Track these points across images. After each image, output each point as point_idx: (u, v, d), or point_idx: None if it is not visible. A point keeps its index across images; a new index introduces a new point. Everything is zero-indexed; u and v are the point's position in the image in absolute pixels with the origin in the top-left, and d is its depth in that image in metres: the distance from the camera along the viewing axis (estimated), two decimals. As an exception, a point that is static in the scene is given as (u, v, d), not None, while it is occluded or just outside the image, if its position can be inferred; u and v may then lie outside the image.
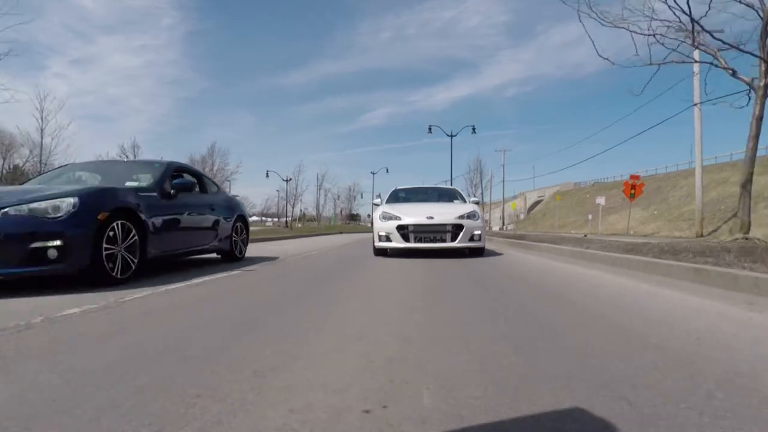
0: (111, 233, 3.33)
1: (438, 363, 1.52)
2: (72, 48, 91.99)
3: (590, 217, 28.38)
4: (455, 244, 6.47)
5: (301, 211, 69.98)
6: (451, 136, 29.80)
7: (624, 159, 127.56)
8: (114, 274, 3.31)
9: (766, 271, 3.11)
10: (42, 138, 34.12)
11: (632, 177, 21.54)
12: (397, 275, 4.20)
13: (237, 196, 6.87)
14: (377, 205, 7.89)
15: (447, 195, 8.70)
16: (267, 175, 39.77)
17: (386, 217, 6.79)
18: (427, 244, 6.52)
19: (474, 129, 29.74)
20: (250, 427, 1.05)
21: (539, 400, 1.19)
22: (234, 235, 5.65)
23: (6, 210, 2.93)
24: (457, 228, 6.50)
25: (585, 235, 15.71)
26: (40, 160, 33.88)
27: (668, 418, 1.08)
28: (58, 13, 79.43)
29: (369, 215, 70.36)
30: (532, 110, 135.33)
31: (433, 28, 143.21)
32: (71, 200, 3.07)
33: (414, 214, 6.73)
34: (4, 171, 45.60)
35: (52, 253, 2.93)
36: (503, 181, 47.34)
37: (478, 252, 6.91)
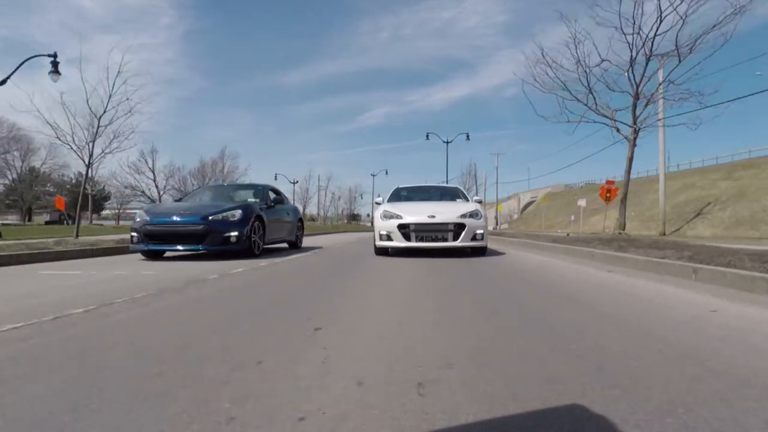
0: (253, 228, 6.02)
1: (436, 283, 4.03)
2: (69, 46, 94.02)
3: (572, 217, 31.09)
4: (457, 243, 6.45)
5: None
6: (447, 142, 32.26)
7: (618, 161, 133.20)
8: (255, 251, 6.05)
9: (610, 250, 5.71)
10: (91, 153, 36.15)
11: (608, 182, 24.17)
12: (410, 253, 6.68)
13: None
14: (378, 204, 7.77)
15: (449, 194, 8.56)
16: (276, 178, 42.16)
17: (387, 215, 6.76)
18: (429, 244, 6.53)
19: (468, 136, 32.16)
20: (342, 318, 2.19)
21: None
22: (297, 231, 8.38)
23: (212, 216, 5.64)
24: (459, 227, 6.47)
25: (567, 234, 18.22)
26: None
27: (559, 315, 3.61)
28: (55, 11, 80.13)
29: (368, 215, 71.56)
30: (529, 110, 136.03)
31: (432, 28, 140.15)
32: (239, 211, 5.80)
33: (415, 212, 6.70)
34: (21, 171, 47.81)
35: (233, 239, 5.65)
36: (497, 183, 50.24)
37: (481, 251, 6.88)
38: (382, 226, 6.65)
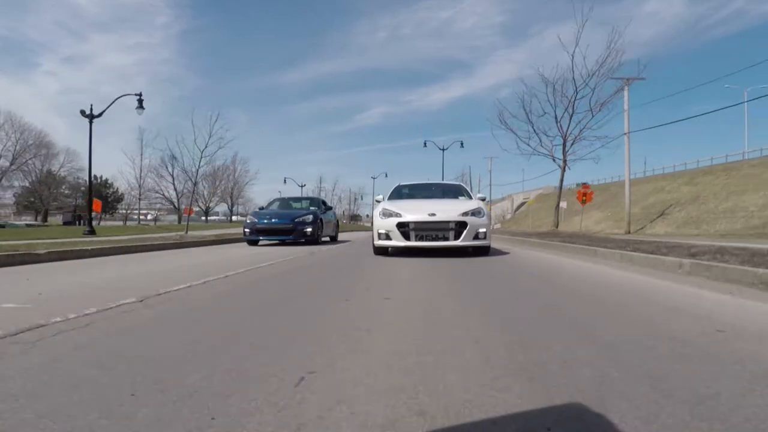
0: (318, 227, 9.21)
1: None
2: (64, 45, 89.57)
3: (546, 219, 34.38)
4: (458, 242, 6.29)
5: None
6: (443, 149, 35.32)
7: (608, 165, 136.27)
8: (319, 241, 9.31)
9: (538, 239, 8.79)
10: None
11: (583, 186, 27.43)
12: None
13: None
14: (378, 201, 7.61)
15: (452, 191, 8.36)
16: (285, 182, 44.69)
17: (386, 214, 6.60)
18: (429, 243, 6.38)
19: (462, 144, 35.31)
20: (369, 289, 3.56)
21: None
22: (336, 228, 11.58)
23: (296, 219, 8.85)
24: (460, 225, 6.31)
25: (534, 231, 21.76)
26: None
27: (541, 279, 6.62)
28: (50, 9, 77.54)
29: (368, 215, 74.19)
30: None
31: (430, 28, 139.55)
32: (311, 216, 9.04)
33: (415, 210, 6.55)
34: (40, 175, 49.98)
35: (308, 233, 8.90)
36: (490, 185, 53.53)
37: (483, 251, 6.73)
38: (381, 224, 6.53)
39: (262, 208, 10.80)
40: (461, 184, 9.33)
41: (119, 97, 13.34)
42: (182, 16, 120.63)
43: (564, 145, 20.72)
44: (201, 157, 13.03)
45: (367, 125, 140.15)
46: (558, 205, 22.01)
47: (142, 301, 2.65)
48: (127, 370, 1.42)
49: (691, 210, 23.26)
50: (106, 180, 49.00)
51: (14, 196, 43.41)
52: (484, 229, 6.37)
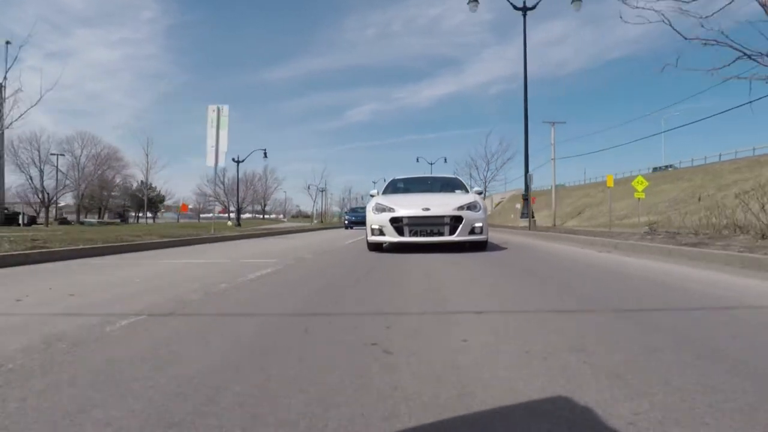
0: None
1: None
2: (48, 41, 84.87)
3: (512, 216, 42.48)
4: (454, 237, 6.01)
5: (296, 206, 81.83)
6: (431, 164, 40.73)
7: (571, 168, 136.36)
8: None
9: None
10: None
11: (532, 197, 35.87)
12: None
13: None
14: (372, 196, 7.22)
15: (448, 185, 8.06)
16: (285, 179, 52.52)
17: (379, 209, 6.30)
18: (423, 238, 6.05)
19: (446, 159, 40.53)
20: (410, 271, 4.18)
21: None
22: None
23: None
24: (455, 220, 6.03)
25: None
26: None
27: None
28: (33, 3, 72.31)
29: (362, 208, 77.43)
30: (513, 109, 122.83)
31: (419, 24, 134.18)
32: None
33: (409, 205, 6.26)
34: (95, 179, 56.40)
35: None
36: (470, 187, 61.21)
37: (480, 246, 6.39)
38: (374, 219, 6.26)
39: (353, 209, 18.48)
40: (458, 177, 9.12)
41: (254, 150, 21.77)
42: (169, 11, 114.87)
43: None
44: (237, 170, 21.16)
45: (357, 122, 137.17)
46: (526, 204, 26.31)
47: (311, 256, 7.63)
48: (315, 285, 3.35)
49: (596, 210, 31.00)
50: (150, 183, 54.88)
51: (78, 197, 50.47)
52: (480, 224, 6.10)
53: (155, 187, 55.43)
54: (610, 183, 17.35)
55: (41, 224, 30.43)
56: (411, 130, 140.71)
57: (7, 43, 13.61)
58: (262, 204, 60.09)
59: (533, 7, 15.49)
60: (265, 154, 19.82)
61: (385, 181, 9.50)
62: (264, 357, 1.64)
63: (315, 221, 51.33)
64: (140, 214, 57.15)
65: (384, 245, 6.51)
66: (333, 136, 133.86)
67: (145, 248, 7.44)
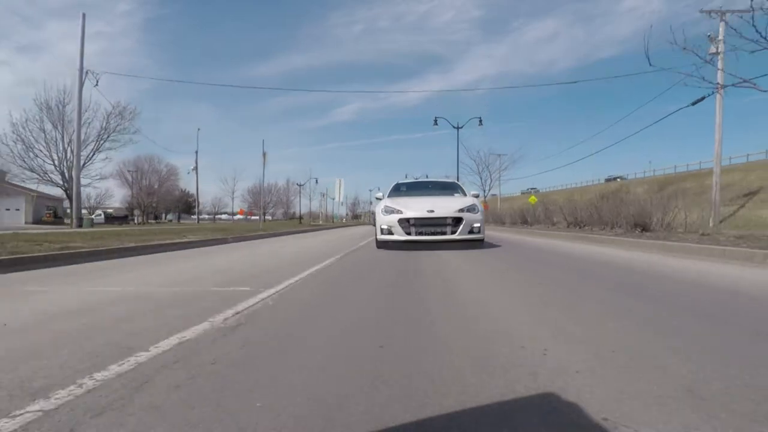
0: None
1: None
2: (18, 33, 77.13)
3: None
4: (455, 236, 6.40)
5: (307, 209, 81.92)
6: (417, 178, 47.29)
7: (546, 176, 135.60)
8: None
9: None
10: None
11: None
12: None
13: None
14: (379, 199, 7.76)
15: (448, 188, 8.50)
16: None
17: (388, 210, 6.69)
18: (429, 237, 6.43)
19: (427, 176, 43.82)
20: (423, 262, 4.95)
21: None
22: None
23: None
24: (456, 221, 6.44)
25: None
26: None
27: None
28: None
29: (368, 212, 76.26)
30: (502, 108, 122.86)
31: (407, 21, 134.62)
32: None
33: (415, 207, 6.65)
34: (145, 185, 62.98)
35: None
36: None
37: (478, 243, 6.79)
38: (384, 220, 6.65)
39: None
40: (456, 181, 9.60)
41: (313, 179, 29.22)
42: (146, 4, 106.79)
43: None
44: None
45: (343, 121, 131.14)
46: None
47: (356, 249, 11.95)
48: (366, 268, 4.48)
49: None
50: (185, 190, 63.18)
51: (129, 200, 55.58)
52: (478, 224, 6.57)
53: (190, 193, 63.41)
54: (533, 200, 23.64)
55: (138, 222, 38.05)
56: (398, 130, 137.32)
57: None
58: (285, 208, 69.08)
59: (462, 126, 23.91)
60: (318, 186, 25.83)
61: (380, 187, 10.39)
62: (393, 287, 3.32)
63: (321, 221, 53.82)
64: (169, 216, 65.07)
65: (390, 244, 6.91)
66: (317, 134, 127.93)
67: (256, 238, 12.12)
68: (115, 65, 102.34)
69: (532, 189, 55.29)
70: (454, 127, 26.96)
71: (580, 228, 12.95)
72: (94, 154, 28.85)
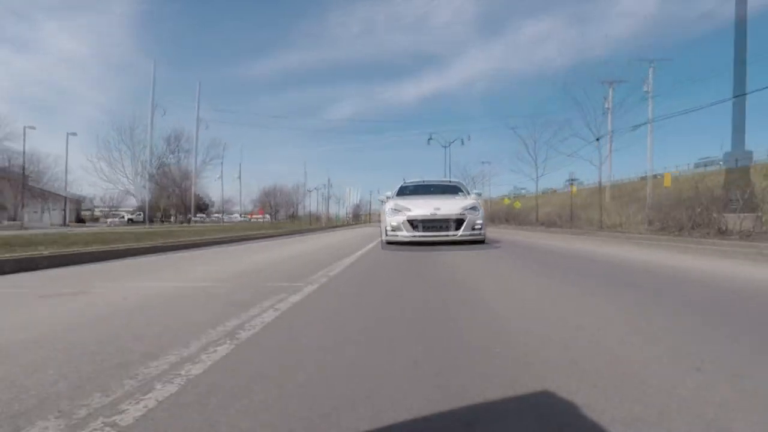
0: None
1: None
2: (8, 29, 72.90)
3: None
4: (458, 234, 6.73)
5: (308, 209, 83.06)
6: (408, 184, 50.13)
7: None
8: None
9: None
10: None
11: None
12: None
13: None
14: (387, 199, 8.07)
15: (451, 189, 8.79)
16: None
17: (396, 210, 7.00)
18: (434, 234, 6.76)
19: (423, 179, 47.81)
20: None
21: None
22: None
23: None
24: (460, 220, 6.77)
25: None
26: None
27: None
28: None
29: (366, 213, 77.53)
30: (496, 107, 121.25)
31: (404, 21, 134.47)
32: None
33: (421, 207, 6.95)
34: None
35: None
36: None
37: (479, 241, 7.02)
38: (392, 219, 6.96)
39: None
40: (459, 182, 10.12)
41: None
42: (142, 1, 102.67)
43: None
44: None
45: (339, 119, 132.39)
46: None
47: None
48: (403, 259, 4.98)
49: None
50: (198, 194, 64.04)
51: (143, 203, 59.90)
52: (480, 223, 6.92)
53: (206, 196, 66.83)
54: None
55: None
56: (394, 129, 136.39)
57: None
58: (295, 209, 72.33)
59: (450, 144, 24.59)
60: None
61: (380, 190, 11.00)
62: (415, 259, 4.94)
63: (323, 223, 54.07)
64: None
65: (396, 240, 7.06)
66: (313, 133, 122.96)
67: (283, 235, 13.74)
68: (110, 61, 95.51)
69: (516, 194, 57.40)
70: (443, 146, 29.51)
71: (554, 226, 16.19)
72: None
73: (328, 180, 56.30)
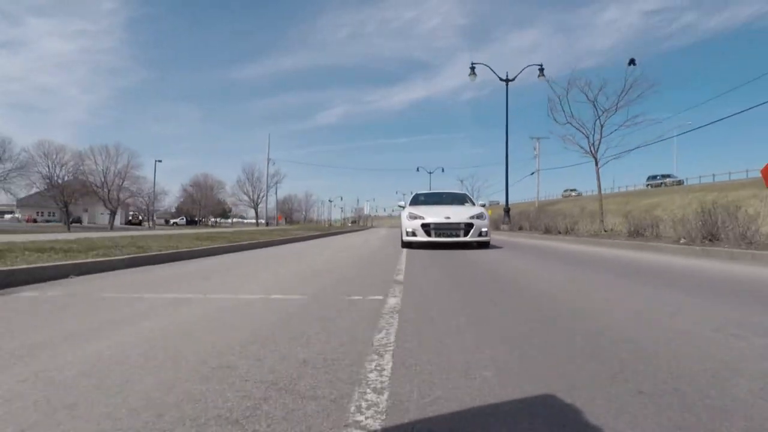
0: None
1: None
2: None
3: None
4: (467, 238, 7.34)
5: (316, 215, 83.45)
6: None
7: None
8: None
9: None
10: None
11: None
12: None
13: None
14: (403, 207, 8.94)
15: (459, 199, 9.55)
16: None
17: (412, 216, 7.70)
18: (446, 239, 7.38)
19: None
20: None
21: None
22: None
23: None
24: (468, 226, 7.40)
25: None
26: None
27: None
28: None
29: (366, 216, 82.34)
30: (485, 115, 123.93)
31: (393, 27, 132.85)
32: None
33: (434, 214, 7.65)
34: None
35: None
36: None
37: (485, 245, 7.66)
38: (409, 224, 7.64)
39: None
40: (466, 192, 10.98)
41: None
42: (130, 3, 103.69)
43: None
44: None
45: (327, 124, 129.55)
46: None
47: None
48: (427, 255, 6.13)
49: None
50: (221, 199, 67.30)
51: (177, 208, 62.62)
52: (485, 229, 7.56)
53: (225, 201, 68.71)
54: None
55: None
56: (382, 134, 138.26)
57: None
58: (304, 216, 75.62)
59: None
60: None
61: (376, 197, 11.25)
62: (435, 257, 6.02)
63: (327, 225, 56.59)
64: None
65: (413, 244, 7.72)
66: (302, 138, 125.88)
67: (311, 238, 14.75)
68: (97, 63, 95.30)
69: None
70: (428, 172, 36.11)
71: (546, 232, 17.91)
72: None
73: (341, 198, 57.76)
